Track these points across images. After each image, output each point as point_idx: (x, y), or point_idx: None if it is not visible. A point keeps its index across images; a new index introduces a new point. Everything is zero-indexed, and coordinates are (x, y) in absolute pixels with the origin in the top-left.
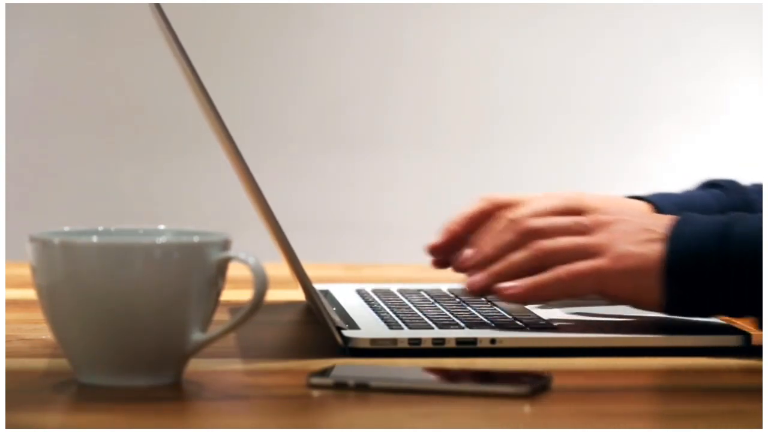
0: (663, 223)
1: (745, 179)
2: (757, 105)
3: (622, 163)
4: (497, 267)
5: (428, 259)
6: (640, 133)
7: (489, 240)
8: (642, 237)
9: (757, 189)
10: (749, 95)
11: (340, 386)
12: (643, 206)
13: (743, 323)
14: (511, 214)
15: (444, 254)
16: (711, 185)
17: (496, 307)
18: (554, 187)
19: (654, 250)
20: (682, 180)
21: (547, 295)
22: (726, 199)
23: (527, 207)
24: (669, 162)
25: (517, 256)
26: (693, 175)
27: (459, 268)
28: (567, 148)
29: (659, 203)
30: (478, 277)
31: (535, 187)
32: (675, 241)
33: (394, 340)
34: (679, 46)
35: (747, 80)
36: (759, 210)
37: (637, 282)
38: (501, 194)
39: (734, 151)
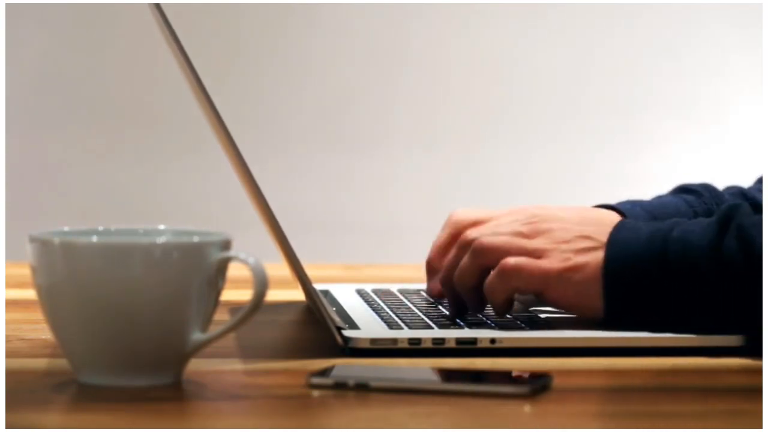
0: (603, 230)
1: (746, 179)
2: (759, 105)
3: (624, 164)
4: (448, 282)
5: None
6: (642, 133)
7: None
8: (582, 245)
9: (733, 192)
10: (752, 96)
11: (340, 386)
12: (613, 216)
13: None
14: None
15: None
16: (684, 190)
17: None
18: (555, 188)
19: (593, 257)
20: (684, 179)
21: (492, 288)
22: (699, 204)
23: (480, 228)
24: (672, 162)
25: (463, 263)
26: (695, 175)
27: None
28: (569, 148)
29: (629, 212)
30: (435, 289)
31: (536, 188)
32: (612, 248)
33: (394, 340)
34: (682, 48)
35: (749, 81)
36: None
37: (578, 288)
38: (468, 212)
39: (736, 152)
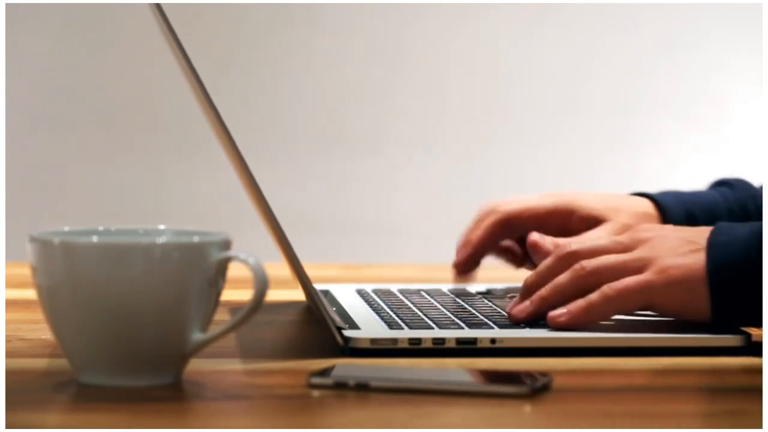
0: (701, 234)
1: (749, 178)
2: (759, 105)
3: (625, 164)
4: (542, 291)
5: (428, 259)
6: (643, 133)
7: (533, 273)
8: (684, 249)
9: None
10: (752, 96)
11: (340, 386)
12: (645, 203)
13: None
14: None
15: (468, 268)
16: (720, 184)
17: (496, 307)
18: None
19: (697, 260)
20: (685, 179)
21: (597, 317)
22: (732, 195)
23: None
24: (672, 162)
25: (561, 278)
26: (696, 175)
27: (512, 316)
28: (570, 148)
29: (664, 200)
30: (523, 305)
31: (538, 189)
32: (713, 250)
33: (394, 340)
34: (682, 48)
35: (750, 81)
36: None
37: (684, 293)
38: (496, 201)
39: (737, 152)
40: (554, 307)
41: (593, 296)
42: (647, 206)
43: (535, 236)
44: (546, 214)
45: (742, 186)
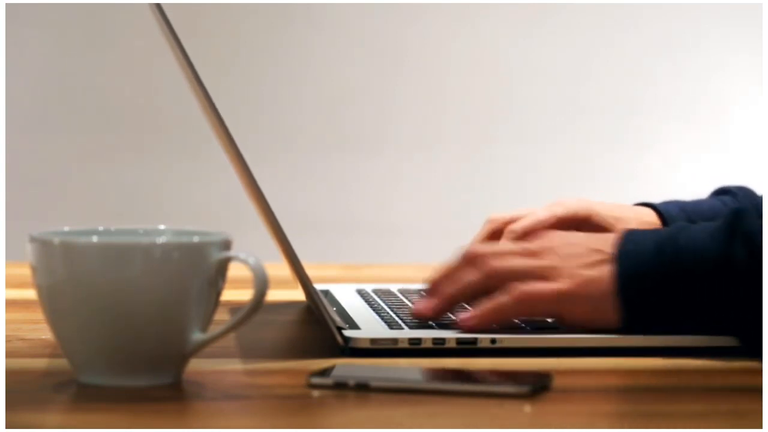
0: (609, 242)
1: (747, 180)
2: (759, 106)
3: (625, 164)
4: (449, 288)
5: (428, 259)
6: (644, 134)
7: (438, 272)
8: (591, 259)
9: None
10: (752, 96)
11: (340, 386)
12: (649, 212)
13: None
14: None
15: None
16: (722, 192)
17: None
18: (558, 189)
19: (604, 271)
20: (685, 179)
21: (505, 317)
22: (734, 204)
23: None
24: (673, 163)
25: (469, 277)
26: (696, 175)
27: (417, 312)
28: (570, 148)
29: (668, 210)
30: (429, 301)
31: (538, 189)
32: (621, 260)
33: (395, 340)
34: (682, 48)
35: (750, 81)
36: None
37: (593, 305)
38: (503, 214)
39: (737, 152)
40: (460, 304)
41: (502, 297)
42: (651, 216)
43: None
44: (559, 223)
45: (744, 194)
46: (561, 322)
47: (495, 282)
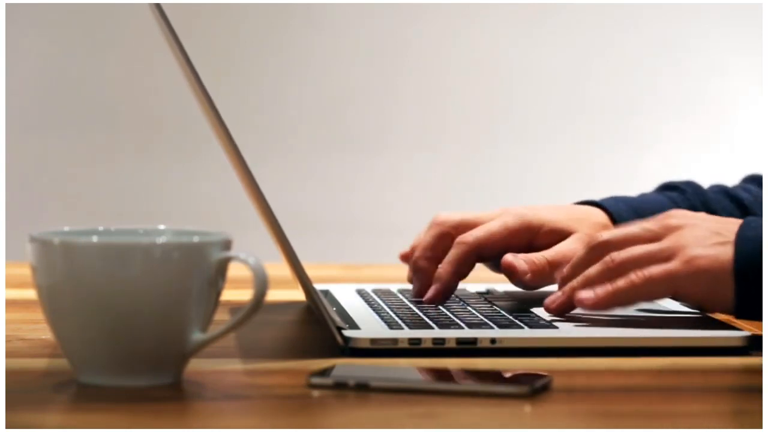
0: (730, 227)
1: (698, 180)
2: (759, 106)
3: (626, 165)
4: (573, 282)
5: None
6: (644, 134)
7: (568, 266)
8: (712, 240)
9: (716, 189)
10: (752, 96)
11: (340, 386)
12: (599, 212)
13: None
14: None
15: (440, 302)
16: (668, 188)
17: (496, 307)
18: (558, 189)
19: (724, 252)
20: (685, 179)
21: (622, 301)
22: (683, 201)
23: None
24: (673, 163)
25: (591, 270)
26: (696, 175)
27: (546, 308)
28: (571, 148)
29: (613, 207)
30: (554, 296)
31: (538, 189)
32: (743, 244)
33: (395, 340)
34: (682, 48)
35: (750, 81)
36: (716, 211)
37: (709, 284)
38: (453, 213)
39: (737, 152)
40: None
41: (620, 283)
42: (600, 216)
43: (509, 258)
44: (511, 235)
45: (693, 191)
46: (678, 300)
47: (617, 273)
